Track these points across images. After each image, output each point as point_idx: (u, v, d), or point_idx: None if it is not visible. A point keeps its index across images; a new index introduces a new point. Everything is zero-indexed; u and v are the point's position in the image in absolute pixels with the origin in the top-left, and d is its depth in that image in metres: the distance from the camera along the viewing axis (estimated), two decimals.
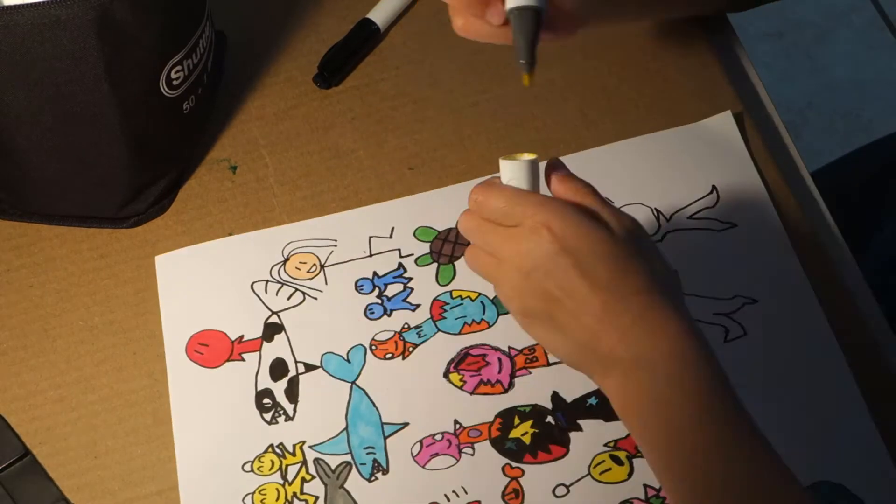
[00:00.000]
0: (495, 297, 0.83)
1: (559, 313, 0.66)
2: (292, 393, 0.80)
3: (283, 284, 0.84)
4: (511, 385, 0.79)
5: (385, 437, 0.78)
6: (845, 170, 1.13)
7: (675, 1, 0.88)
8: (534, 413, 0.78)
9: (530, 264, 0.66)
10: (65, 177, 0.84)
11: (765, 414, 0.77)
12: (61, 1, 0.74)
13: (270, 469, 0.77)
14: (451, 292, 0.83)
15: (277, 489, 0.77)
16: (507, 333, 0.81)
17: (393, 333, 0.82)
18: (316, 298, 0.84)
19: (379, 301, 0.83)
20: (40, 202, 0.86)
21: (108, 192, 0.85)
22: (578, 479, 0.76)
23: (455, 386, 0.80)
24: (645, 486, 0.75)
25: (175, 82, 0.82)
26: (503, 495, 0.76)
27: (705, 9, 0.92)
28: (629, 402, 0.66)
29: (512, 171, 0.69)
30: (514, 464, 0.77)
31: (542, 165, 0.70)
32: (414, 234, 0.86)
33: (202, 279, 0.85)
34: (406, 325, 0.82)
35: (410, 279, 0.84)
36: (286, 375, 0.81)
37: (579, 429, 0.78)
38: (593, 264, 0.65)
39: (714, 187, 0.86)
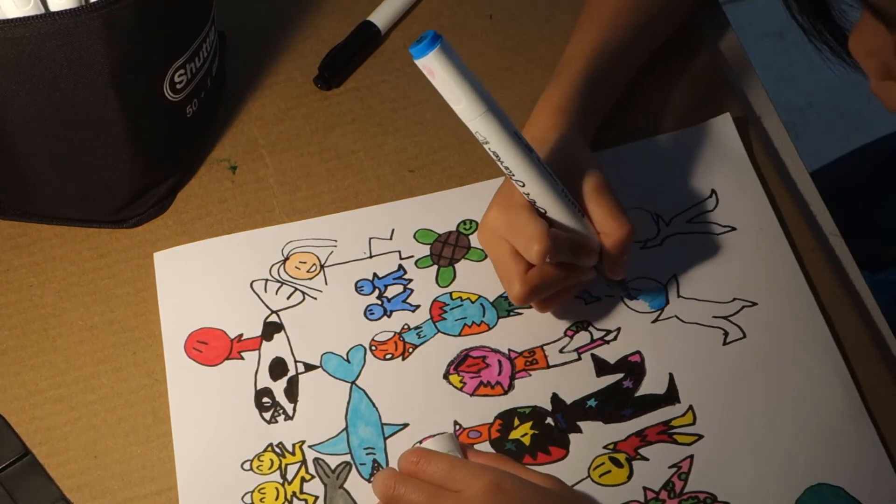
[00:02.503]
0: (496, 299, 0.83)
1: None
2: (292, 392, 0.80)
3: (282, 283, 0.84)
4: (511, 387, 0.80)
5: (385, 438, 0.78)
6: (845, 169, 1.13)
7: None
8: (533, 415, 0.79)
9: None
10: (67, 181, 0.84)
11: (764, 416, 0.77)
12: (67, 11, 0.74)
13: (270, 468, 0.77)
14: (450, 294, 0.83)
15: (277, 488, 0.77)
16: (508, 335, 0.81)
17: (393, 334, 0.82)
18: (315, 298, 0.84)
19: (379, 302, 0.83)
20: (41, 204, 0.86)
21: (110, 196, 0.85)
22: (578, 481, 0.76)
23: (455, 387, 0.80)
24: (644, 488, 0.76)
25: (178, 86, 0.82)
26: None
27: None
28: None
29: (439, 446, 0.74)
30: None
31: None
32: (414, 237, 0.86)
33: (201, 276, 0.85)
34: (406, 326, 0.82)
35: (410, 280, 0.84)
36: (286, 375, 0.81)
37: (579, 431, 0.78)
38: None
39: (713, 191, 0.86)
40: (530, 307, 0.82)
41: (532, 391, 0.79)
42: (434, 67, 0.69)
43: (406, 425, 0.79)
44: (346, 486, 0.77)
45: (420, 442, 0.75)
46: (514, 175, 0.74)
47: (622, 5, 0.86)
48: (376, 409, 0.79)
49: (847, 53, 0.71)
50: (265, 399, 0.80)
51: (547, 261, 0.75)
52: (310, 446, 0.78)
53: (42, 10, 0.75)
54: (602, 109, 0.86)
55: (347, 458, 0.78)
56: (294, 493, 0.76)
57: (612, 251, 0.77)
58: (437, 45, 0.68)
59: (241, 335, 0.82)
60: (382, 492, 0.72)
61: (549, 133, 0.80)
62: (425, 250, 0.85)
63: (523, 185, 0.75)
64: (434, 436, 0.75)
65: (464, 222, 0.86)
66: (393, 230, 0.86)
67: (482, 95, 0.71)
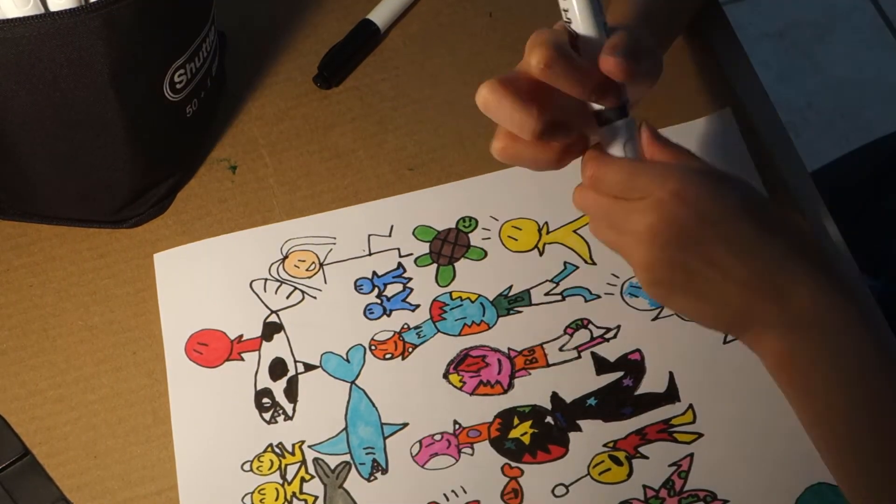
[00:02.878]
0: (495, 298, 0.83)
1: (700, 283, 0.62)
2: (291, 392, 0.80)
3: (282, 283, 0.84)
4: (510, 386, 0.80)
5: (384, 438, 0.78)
6: (845, 169, 1.13)
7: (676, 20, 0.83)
8: (533, 413, 0.78)
9: (664, 238, 0.62)
10: (67, 181, 0.84)
11: (764, 414, 0.77)
12: (67, 11, 0.74)
13: (270, 469, 0.77)
14: (450, 293, 0.83)
15: (277, 489, 0.77)
16: (507, 334, 0.81)
17: (392, 334, 0.82)
18: (315, 297, 0.84)
19: (378, 301, 0.83)
20: (41, 204, 0.86)
21: (110, 196, 0.85)
22: (577, 480, 0.76)
23: (454, 387, 0.80)
24: (644, 486, 0.76)
25: (178, 86, 0.82)
26: (502, 495, 0.76)
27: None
28: (789, 361, 0.63)
29: (616, 133, 0.65)
30: (513, 464, 0.77)
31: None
32: (413, 234, 0.86)
33: (201, 277, 0.85)
34: (405, 326, 0.82)
35: (410, 279, 0.84)
36: (285, 375, 0.81)
37: (578, 429, 0.78)
38: (733, 230, 0.62)
39: None
40: (530, 304, 0.82)
41: (532, 390, 0.79)
42: None
43: (406, 425, 0.78)
44: (345, 485, 0.77)
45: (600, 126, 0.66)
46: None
47: None
48: (376, 408, 0.79)
49: None
50: (265, 399, 0.80)
51: (544, 62, 0.64)
52: (309, 446, 0.78)
53: (42, 10, 0.75)
54: (671, 19, 0.79)
55: (347, 458, 0.78)
56: (294, 494, 0.76)
57: (610, 46, 0.64)
58: None
59: (241, 336, 0.82)
60: (580, 206, 0.65)
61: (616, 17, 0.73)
62: (425, 248, 0.85)
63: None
64: (613, 123, 0.65)
65: (463, 219, 0.86)
66: (392, 226, 0.86)
67: None
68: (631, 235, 0.63)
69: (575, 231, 0.85)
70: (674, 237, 0.62)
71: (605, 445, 0.77)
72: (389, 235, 0.86)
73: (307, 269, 0.85)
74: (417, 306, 0.83)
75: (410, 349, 0.81)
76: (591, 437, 0.77)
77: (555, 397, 0.79)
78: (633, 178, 0.63)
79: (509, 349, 0.81)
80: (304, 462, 0.78)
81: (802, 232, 0.64)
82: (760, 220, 0.63)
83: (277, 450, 0.78)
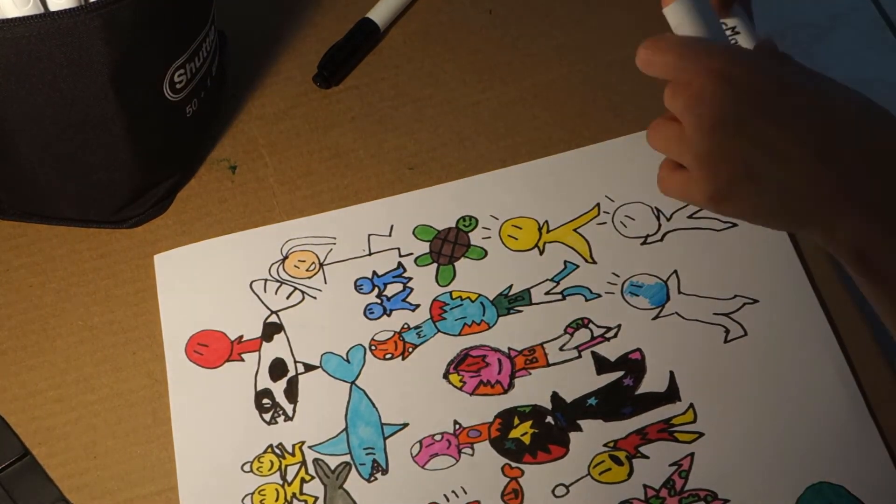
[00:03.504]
0: (496, 297, 0.83)
1: (760, 171, 0.57)
2: (292, 393, 0.80)
3: (282, 283, 0.84)
4: (511, 386, 0.79)
5: (385, 438, 0.78)
6: None
7: None
8: (533, 413, 0.78)
9: (710, 122, 0.57)
10: (67, 181, 0.84)
11: (765, 414, 0.77)
12: (67, 11, 0.74)
13: (270, 469, 0.77)
14: (450, 293, 0.83)
15: (277, 489, 0.77)
16: (507, 334, 0.81)
17: (392, 334, 0.82)
18: (315, 298, 0.84)
19: (378, 301, 0.83)
20: (41, 204, 0.86)
21: (110, 196, 0.85)
22: (578, 479, 0.76)
23: (455, 387, 0.80)
24: (644, 486, 0.75)
25: (178, 86, 0.82)
26: (503, 495, 0.76)
27: None
28: (875, 248, 0.57)
29: (677, 14, 0.61)
30: (513, 464, 0.77)
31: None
32: (413, 233, 0.86)
33: (201, 278, 0.85)
34: (406, 326, 0.82)
35: (410, 279, 0.84)
36: (286, 375, 0.81)
37: (579, 429, 0.78)
38: (786, 105, 0.57)
39: None
40: (531, 304, 0.82)
41: (532, 390, 0.79)
42: None
43: (406, 425, 0.78)
44: (345, 486, 0.77)
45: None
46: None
47: None
48: (376, 409, 0.79)
49: None
50: (265, 400, 0.80)
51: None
52: (310, 447, 0.78)
53: (41, 10, 0.75)
54: None
55: (347, 458, 0.77)
56: (294, 494, 0.76)
57: None
58: None
59: (241, 336, 0.82)
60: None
61: None
62: (425, 247, 0.85)
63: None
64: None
65: (463, 218, 0.86)
66: (392, 226, 0.86)
67: None
68: (683, 126, 0.59)
69: (575, 230, 0.85)
70: (722, 121, 0.57)
71: (605, 445, 0.77)
72: (389, 235, 0.86)
73: (307, 270, 0.85)
74: (417, 306, 0.83)
75: (410, 349, 0.81)
76: (591, 436, 0.77)
77: (555, 397, 0.79)
78: (680, 59, 0.58)
79: (509, 349, 0.81)
80: (304, 463, 0.77)
81: (857, 93, 0.59)
82: (815, 90, 0.58)
83: (277, 450, 0.78)
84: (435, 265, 0.84)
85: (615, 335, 0.81)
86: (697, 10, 0.60)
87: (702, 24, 0.61)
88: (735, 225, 0.85)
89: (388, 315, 0.83)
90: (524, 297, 0.83)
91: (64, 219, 0.87)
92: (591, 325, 0.81)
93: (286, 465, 0.77)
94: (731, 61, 0.58)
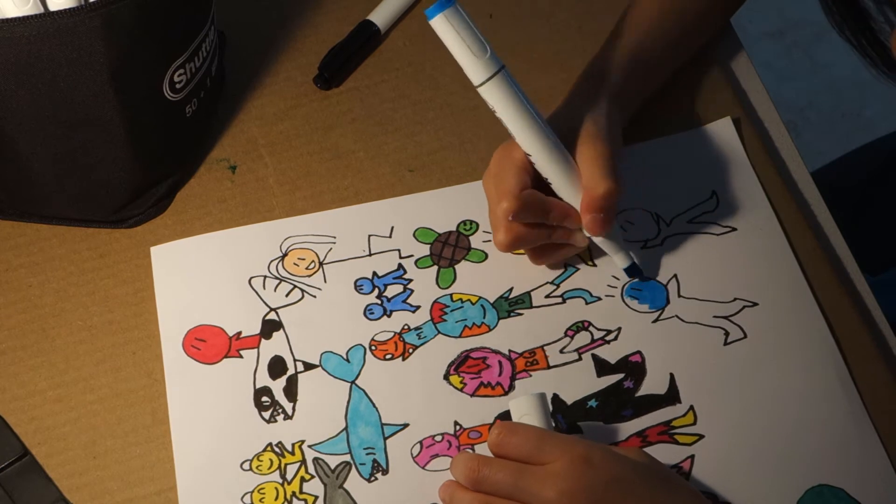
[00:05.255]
0: (496, 300, 0.83)
1: None
2: (291, 391, 0.80)
3: (281, 280, 0.84)
4: (511, 387, 0.79)
5: (385, 438, 0.78)
6: (845, 169, 1.13)
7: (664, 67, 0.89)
8: None
9: (581, 501, 0.68)
10: (66, 180, 0.84)
11: (765, 416, 0.77)
12: (66, 10, 0.74)
13: (269, 468, 0.77)
14: (451, 295, 0.83)
15: (276, 488, 0.77)
16: (508, 336, 0.81)
17: (393, 334, 0.82)
18: (315, 296, 0.84)
19: (378, 301, 0.83)
20: (40, 204, 0.86)
21: (110, 196, 0.85)
22: None
23: (455, 388, 0.80)
24: None
25: (178, 86, 0.82)
26: None
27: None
28: None
29: (526, 408, 0.72)
30: None
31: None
32: (414, 235, 0.86)
33: (199, 272, 0.84)
34: (406, 327, 0.82)
35: (410, 280, 0.84)
36: (285, 374, 0.81)
37: (579, 431, 0.78)
38: (643, 487, 0.69)
39: (714, 192, 0.86)
40: (531, 307, 0.82)
41: (533, 391, 0.79)
42: (438, 30, 0.74)
43: (406, 425, 0.78)
44: (345, 486, 0.77)
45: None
46: (511, 134, 0.77)
47: None
48: (376, 409, 0.79)
49: (887, 65, 0.73)
50: (264, 398, 0.80)
51: (511, 218, 0.77)
52: (309, 446, 0.78)
53: (41, 10, 0.75)
54: (639, 84, 0.86)
55: (347, 458, 0.77)
56: (294, 493, 0.76)
57: (585, 205, 0.78)
58: (448, 6, 0.73)
59: (239, 333, 0.82)
60: (466, 475, 0.71)
61: (571, 95, 0.83)
62: (425, 250, 0.85)
63: (521, 143, 0.78)
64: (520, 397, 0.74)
65: (464, 223, 0.86)
66: (392, 227, 0.86)
67: (484, 64, 0.75)
68: (543, 503, 0.68)
69: None
70: (586, 499, 0.68)
71: None
72: (390, 236, 0.86)
73: (307, 268, 0.85)
74: (418, 307, 0.83)
75: (411, 350, 0.81)
76: (591, 438, 0.77)
77: (556, 399, 0.79)
78: (541, 443, 0.70)
79: (510, 351, 0.81)
80: (303, 462, 0.77)
81: (696, 494, 0.72)
82: (662, 478, 0.70)
83: (277, 449, 0.78)
84: (435, 267, 0.84)
85: (615, 338, 0.81)
86: (545, 406, 0.73)
87: (545, 417, 0.73)
88: (734, 229, 0.85)
89: (389, 316, 0.83)
90: (525, 300, 0.83)
91: (63, 218, 0.87)
92: (591, 328, 0.81)
93: (286, 464, 0.77)
94: (591, 447, 0.70)
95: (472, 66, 0.75)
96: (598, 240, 0.80)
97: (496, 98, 0.76)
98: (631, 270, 0.82)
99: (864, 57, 0.79)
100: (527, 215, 0.78)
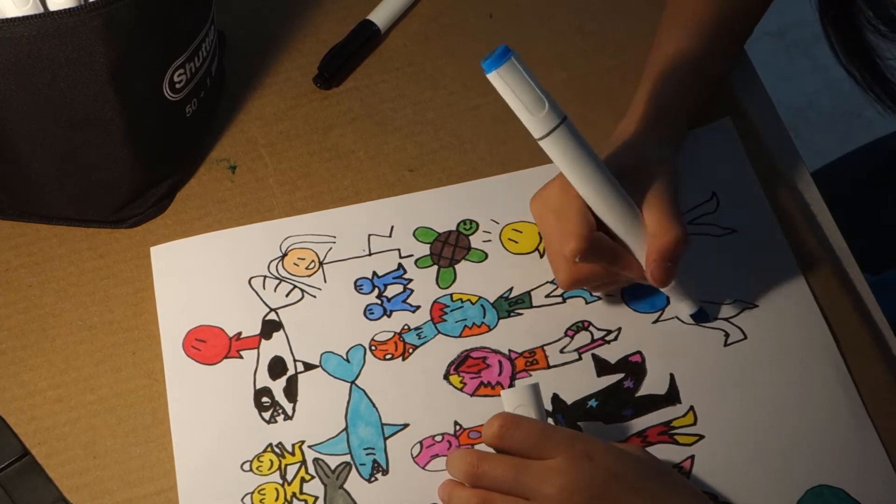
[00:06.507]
0: (496, 300, 0.83)
1: None
2: (291, 392, 0.80)
3: (281, 280, 0.84)
4: (511, 387, 0.79)
5: (385, 438, 0.78)
6: (845, 169, 1.13)
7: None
8: None
9: (581, 496, 0.68)
10: (66, 180, 0.84)
11: (765, 417, 0.77)
12: (66, 10, 0.74)
13: (269, 469, 0.77)
14: (451, 295, 0.83)
15: (277, 489, 0.77)
16: (508, 336, 0.81)
17: (393, 334, 0.82)
18: (315, 296, 0.84)
19: (378, 301, 0.83)
20: (40, 204, 0.86)
21: (110, 196, 0.85)
22: None
23: (455, 388, 0.80)
24: None
25: (178, 86, 0.82)
26: None
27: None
28: None
29: (521, 398, 0.72)
30: None
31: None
32: (413, 235, 0.86)
33: (199, 272, 0.84)
34: (406, 327, 0.82)
35: (410, 280, 0.84)
36: (285, 374, 0.81)
37: (579, 431, 0.78)
38: (643, 483, 0.69)
39: (714, 193, 0.86)
40: (531, 307, 0.82)
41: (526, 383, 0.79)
42: (497, 85, 0.71)
43: (406, 425, 0.78)
44: (345, 486, 0.77)
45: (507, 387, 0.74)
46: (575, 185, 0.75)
47: (705, 7, 0.85)
48: (376, 409, 0.79)
49: (892, 100, 0.74)
50: (264, 399, 0.80)
51: (578, 260, 0.74)
52: (309, 446, 0.78)
53: (41, 10, 0.75)
54: (690, 108, 0.84)
55: (347, 458, 0.77)
56: (294, 494, 0.76)
57: (653, 254, 0.75)
58: (502, 63, 0.69)
59: (239, 333, 0.82)
60: (465, 471, 0.70)
61: (629, 133, 0.80)
62: (425, 249, 0.85)
63: (583, 195, 0.75)
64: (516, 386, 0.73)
65: (464, 222, 0.86)
66: (392, 227, 0.86)
67: (542, 119, 0.72)
68: (543, 499, 0.68)
69: None
70: (587, 495, 0.68)
71: None
72: (390, 236, 0.86)
73: (307, 268, 0.85)
74: (418, 307, 0.83)
75: (411, 350, 0.81)
76: None
77: (556, 399, 0.79)
78: (543, 439, 0.69)
79: (510, 351, 0.81)
80: (304, 462, 0.77)
81: (696, 491, 0.72)
82: (662, 475, 0.71)
83: (277, 450, 0.78)
84: (435, 267, 0.84)
85: (615, 338, 0.81)
86: (538, 397, 0.72)
87: (539, 409, 0.72)
88: (735, 231, 0.85)
89: (389, 316, 0.83)
90: (525, 300, 0.83)
91: (63, 219, 0.87)
92: (591, 328, 0.81)
93: (286, 465, 0.77)
94: (592, 443, 0.70)
95: (530, 121, 0.71)
96: (664, 288, 0.78)
97: (556, 153, 0.73)
98: (698, 316, 0.80)
99: (868, 92, 0.78)
100: (594, 258, 0.75)
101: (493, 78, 0.70)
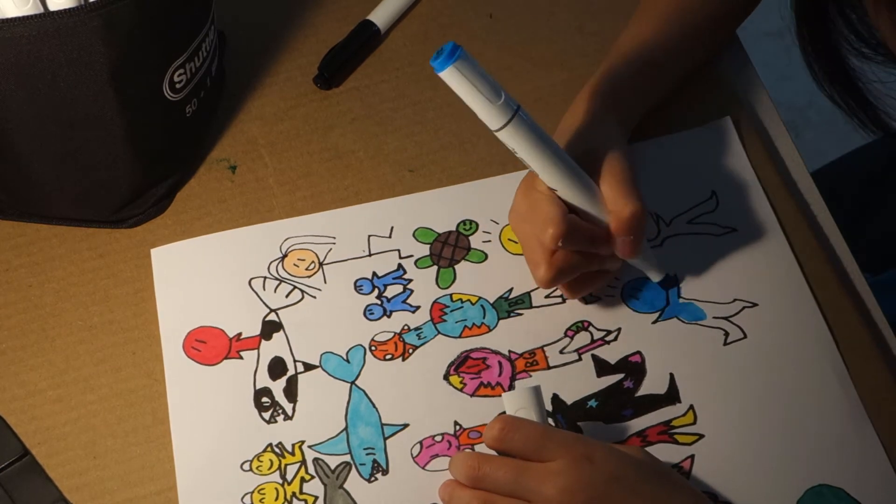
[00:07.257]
0: (496, 300, 0.83)
1: None
2: (291, 392, 0.80)
3: (281, 281, 0.84)
4: (511, 388, 0.79)
5: (385, 438, 0.78)
6: (845, 169, 1.13)
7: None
8: None
9: (582, 498, 0.68)
10: (66, 180, 0.84)
11: (764, 416, 0.77)
12: (66, 10, 0.74)
13: (269, 469, 0.77)
14: (451, 295, 0.83)
15: (276, 489, 0.77)
16: (508, 337, 0.81)
17: (392, 335, 0.82)
18: (315, 297, 0.84)
19: (378, 302, 0.83)
20: (40, 204, 0.86)
21: (110, 196, 0.85)
22: None
23: (455, 388, 0.80)
24: None
25: (178, 86, 0.82)
26: None
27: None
28: None
29: (522, 400, 0.72)
30: None
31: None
32: (413, 235, 0.86)
33: (199, 273, 0.84)
34: (406, 327, 0.82)
35: (410, 281, 0.84)
36: (285, 374, 0.81)
37: (579, 431, 0.78)
38: (643, 485, 0.69)
39: (714, 192, 0.86)
40: (531, 307, 0.82)
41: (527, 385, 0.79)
42: (450, 82, 0.70)
43: (406, 426, 0.78)
44: (345, 486, 0.77)
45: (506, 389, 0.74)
46: (535, 172, 0.75)
47: (676, 3, 0.87)
48: (376, 409, 0.79)
49: (875, 125, 0.74)
50: (264, 399, 0.80)
51: (560, 244, 0.75)
52: (309, 446, 0.78)
53: (41, 10, 0.75)
54: (645, 97, 0.86)
55: (347, 458, 0.78)
56: (294, 494, 0.76)
57: (615, 230, 0.77)
58: (453, 61, 0.69)
59: (239, 334, 0.82)
60: (466, 473, 0.71)
61: (579, 117, 0.81)
62: (425, 250, 0.85)
63: (545, 180, 0.76)
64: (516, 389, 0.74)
65: (464, 222, 0.86)
66: (392, 228, 0.86)
67: (499, 109, 0.72)
68: (543, 501, 0.69)
69: None
70: (587, 497, 0.68)
71: None
72: (389, 236, 0.86)
73: (306, 269, 0.85)
74: (418, 308, 0.83)
75: (411, 350, 0.81)
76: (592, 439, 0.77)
77: (556, 399, 0.79)
78: (544, 441, 0.70)
79: (510, 351, 0.81)
80: (304, 462, 0.77)
81: (696, 493, 0.72)
82: (662, 477, 0.71)
83: (277, 449, 0.78)
84: (435, 267, 0.84)
85: (615, 338, 0.81)
86: (540, 400, 0.72)
87: (541, 411, 0.72)
88: (734, 230, 0.85)
89: (388, 316, 0.83)
90: (524, 301, 0.83)
91: (63, 218, 0.87)
92: (591, 329, 0.81)
93: (286, 465, 0.77)
94: (592, 446, 0.70)
95: (487, 113, 0.72)
96: (631, 260, 0.80)
97: (515, 141, 0.73)
98: (665, 282, 0.82)
99: (851, 118, 0.78)
100: (573, 240, 0.76)
101: (451, 73, 0.70)
